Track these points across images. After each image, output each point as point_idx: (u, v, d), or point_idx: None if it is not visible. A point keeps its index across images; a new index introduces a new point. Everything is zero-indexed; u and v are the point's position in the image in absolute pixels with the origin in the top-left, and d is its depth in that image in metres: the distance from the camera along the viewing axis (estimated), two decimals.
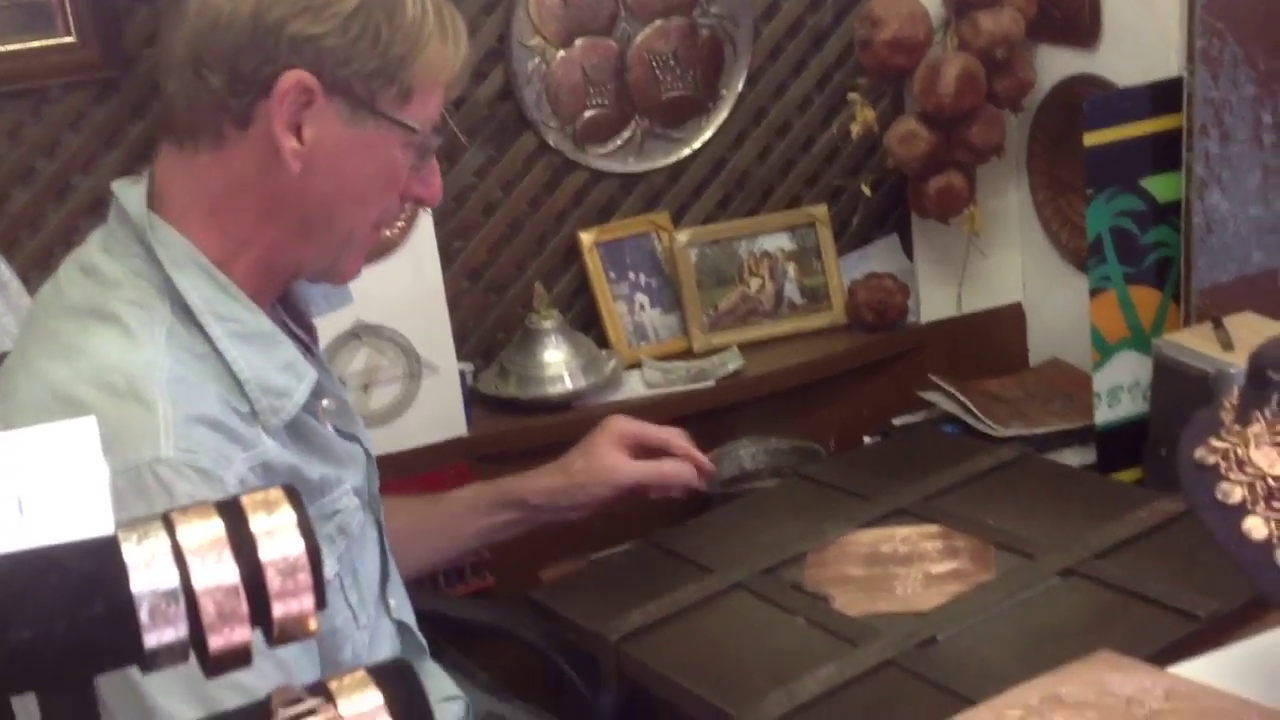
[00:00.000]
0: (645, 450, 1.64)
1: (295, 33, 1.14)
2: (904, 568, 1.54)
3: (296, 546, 0.65)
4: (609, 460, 1.61)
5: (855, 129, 2.10)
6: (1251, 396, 0.90)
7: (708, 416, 2.08)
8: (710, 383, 2.10)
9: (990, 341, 2.29)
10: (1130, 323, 1.93)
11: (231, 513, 0.65)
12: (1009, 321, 2.31)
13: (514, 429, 2.03)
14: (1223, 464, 0.89)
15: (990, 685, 1.10)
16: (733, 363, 2.13)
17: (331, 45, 1.15)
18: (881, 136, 2.11)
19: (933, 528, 1.60)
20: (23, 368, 1.17)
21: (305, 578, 0.65)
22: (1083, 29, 2.00)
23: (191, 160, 1.19)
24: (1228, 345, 1.74)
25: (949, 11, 2.04)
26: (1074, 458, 2.00)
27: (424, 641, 1.41)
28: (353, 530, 1.27)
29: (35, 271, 1.88)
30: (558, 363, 2.06)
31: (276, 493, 0.67)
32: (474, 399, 2.04)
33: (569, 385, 2.05)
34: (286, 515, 0.66)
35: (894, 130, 2.07)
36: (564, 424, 2.00)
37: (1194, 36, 1.80)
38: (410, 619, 1.41)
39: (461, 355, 2.02)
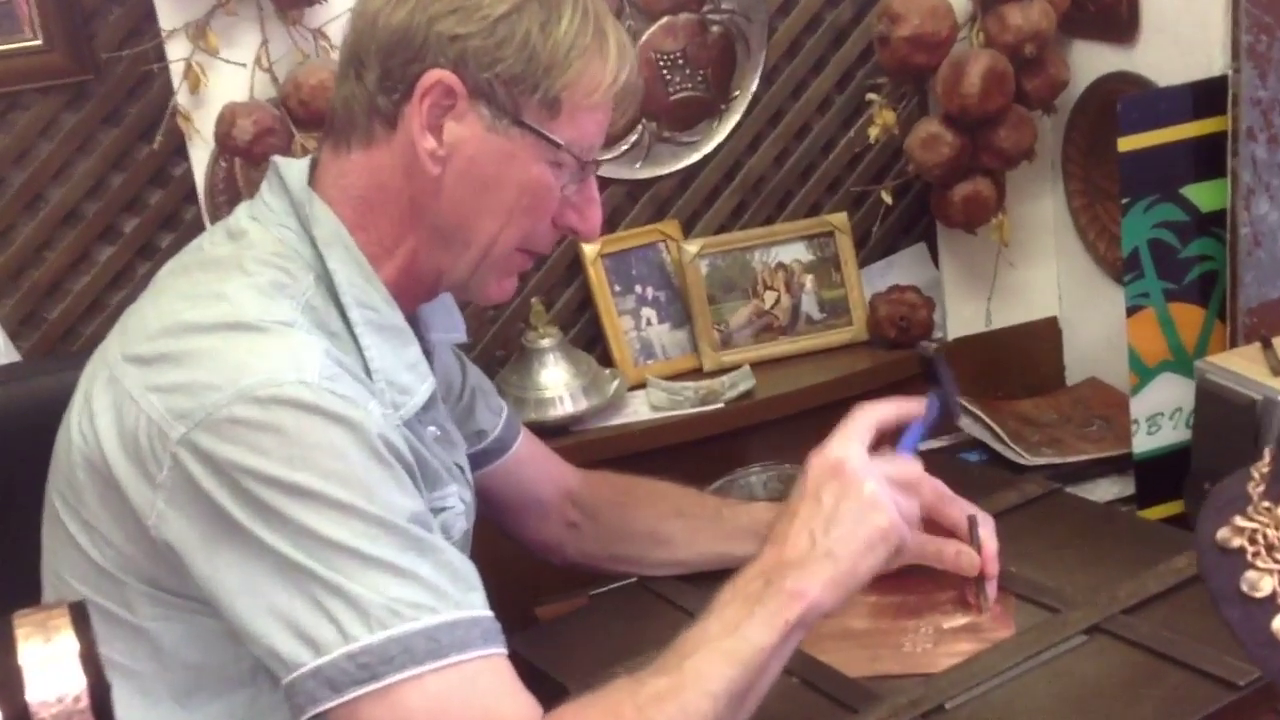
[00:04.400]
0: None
1: (443, 31, 1.16)
2: (913, 620, 1.40)
3: (76, 683, 0.53)
4: None
5: (873, 132, 1.97)
6: None
7: (716, 441, 1.96)
8: (719, 405, 1.97)
9: (1023, 359, 2.14)
10: (1171, 343, 1.78)
11: None
12: (1043, 338, 2.16)
13: None
14: (1249, 548, 0.75)
15: None
16: (743, 383, 1.99)
17: (477, 46, 1.15)
18: (904, 140, 1.97)
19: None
20: (153, 305, 1.19)
21: None
22: (1120, 24, 1.85)
23: (345, 159, 1.22)
24: (1277, 369, 1.61)
25: (974, 6, 1.89)
26: (1110, 489, 1.85)
27: None
28: (454, 536, 1.24)
29: (9, 285, 1.82)
30: (557, 384, 1.94)
31: (60, 614, 0.54)
32: None
33: (569, 408, 1.93)
34: (67, 643, 0.54)
35: (915, 134, 1.93)
36: (563, 450, 1.87)
37: (1240, 31, 1.66)
38: None
39: None
